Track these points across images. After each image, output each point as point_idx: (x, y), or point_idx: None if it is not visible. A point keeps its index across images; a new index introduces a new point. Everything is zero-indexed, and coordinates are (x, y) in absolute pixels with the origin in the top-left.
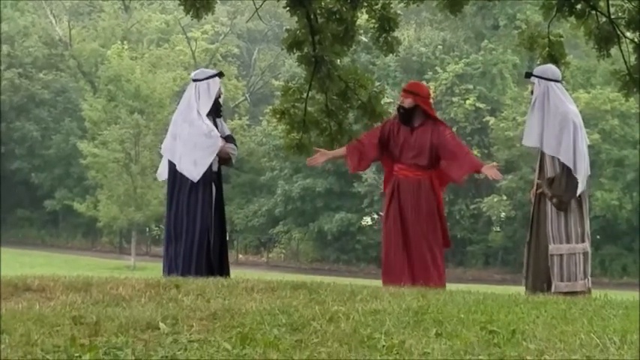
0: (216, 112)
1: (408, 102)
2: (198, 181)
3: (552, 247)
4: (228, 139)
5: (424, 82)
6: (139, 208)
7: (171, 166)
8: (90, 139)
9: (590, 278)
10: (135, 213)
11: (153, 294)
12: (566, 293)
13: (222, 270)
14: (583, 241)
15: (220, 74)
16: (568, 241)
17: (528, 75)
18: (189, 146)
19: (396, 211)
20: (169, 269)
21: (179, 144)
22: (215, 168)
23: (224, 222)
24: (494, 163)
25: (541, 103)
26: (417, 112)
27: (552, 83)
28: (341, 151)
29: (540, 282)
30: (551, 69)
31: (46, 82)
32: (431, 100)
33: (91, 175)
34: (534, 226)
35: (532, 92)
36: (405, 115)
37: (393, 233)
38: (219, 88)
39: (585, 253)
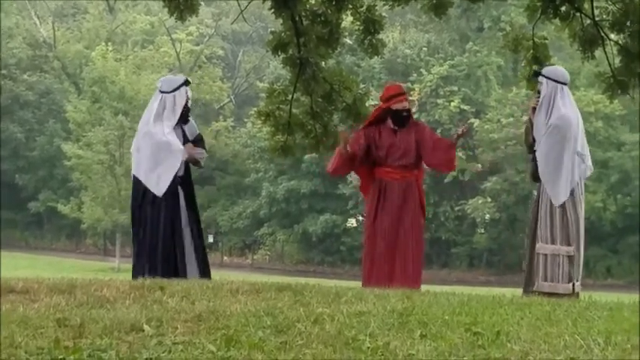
0: (182, 118)
1: (408, 105)
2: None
3: (538, 246)
4: (196, 141)
5: (408, 85)
6: (123, 210)
7: (135, 178)
8: (74, 141)
9: (576, 283)
10: (119, 215)
11: (137, 296)
12: (548, 294)
13: (204, 273)
14: (568, 244)
15: (186, 82)
16: (553, 242)
17: (537, 74)
18: (152, 162)
19: (384, 214)
20: (136, 273)
21: (142, 158)
22: (180, 172)
23: (199, 223)
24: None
25: (547, 104)
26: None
27: (560, 86)
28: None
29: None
30: (560, 71)
31: (31, 84)
32: (414, 98)
33: (75, 177)
34: (531, 225)
35: (539, 91)
36: (400, 118)
37: (381, 236)
38: (187, 94)
39: (570, 257)
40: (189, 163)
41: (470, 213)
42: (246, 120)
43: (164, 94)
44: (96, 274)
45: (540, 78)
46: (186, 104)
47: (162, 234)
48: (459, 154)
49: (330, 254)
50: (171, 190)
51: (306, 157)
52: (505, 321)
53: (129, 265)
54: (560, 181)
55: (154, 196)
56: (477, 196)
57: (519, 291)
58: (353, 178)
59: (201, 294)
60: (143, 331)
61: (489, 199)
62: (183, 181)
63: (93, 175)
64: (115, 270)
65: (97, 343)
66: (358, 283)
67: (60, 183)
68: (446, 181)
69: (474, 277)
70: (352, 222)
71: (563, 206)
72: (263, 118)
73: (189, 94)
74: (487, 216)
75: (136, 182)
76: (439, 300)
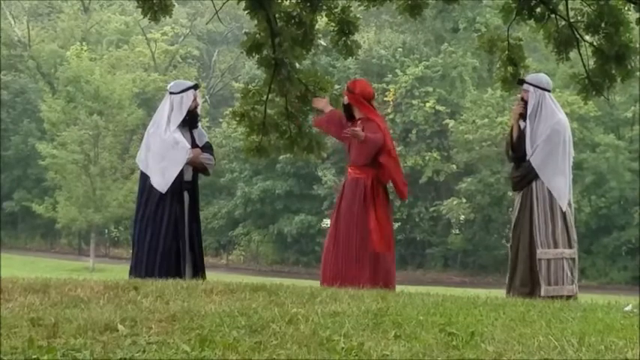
0: (191, 123)
1: (345, 99)
2: (167, 192)
3: (539, 252)
4: (205, 148)
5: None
6: (97, 210)
7: (143, 176)
8: (49, 141)
9: (576, 285)
10: (94, 214)
11: (112, 296)
12: (553, 297)
13: (198, 274)
14: (570, 247)
15: (195, 86)
16: (555, 247)
17: (521, 82)
18: (158, 159)
19: (339, 213)
20: (134, 273)
21: (150, 156)
22: (188, 177)
23: (199, 229)
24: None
25: (534, 113)
26: (354, 110)
27: (546, 93)
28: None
29: (530, 286)
30: (545, 79)
31: (5, 83)
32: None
33: (49, 177)
34: (519, 231)
35: (522, 99)
36: (345, 112)
37: (331, 235)
38: (196, 99)
39: (572, 259)
40: (197, 171)
41: (445, 214)
42: (221, 120)
43: (172, 95)
44: (70, 273)
45: (526, 86)
46: (195, 108)
47: (164, 233)
48: (434, 154)
49: (304, 254)
50: (177, 192)
51: (281, 157)
52: (479, 322)
53: (103, 265)
54: (564, 184)
55: (160, 195)
56: (452, 196)
57: (494, 291)
58: (328, 178)
59: (175, 294)
60: (117, 331)
61: (464, 200)
62: (190, 186)
63: (67, 174)
64: (89, 270)
65: (71, 343)
66: None
67: (34, 183)
68: (421, 181)
69: (448, 277)
70: (327, 222)
71: (560, 211)
72: (238, 118)
73: (199, 99)
74: (462, 217)
75: (144, 179)
76: (414, 300)
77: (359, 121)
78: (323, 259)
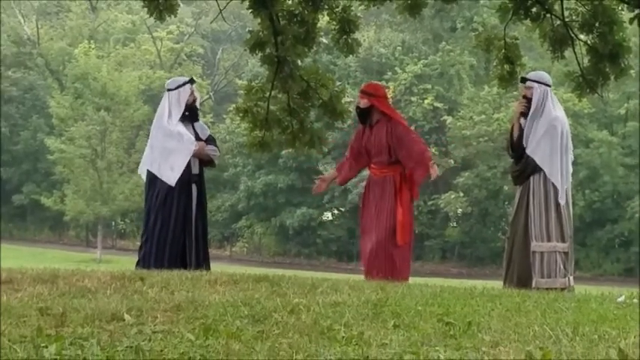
0: (191, 117)
1: (363, 102)
2: (175, 185)
3: (534, 245)
4: (208, 141)
5: (382, 83)
6: (104, 203)
7: (149, 174)
8: (57, 136)
9: (570, 277)
10: (101, 207)
11: (118, 286)
12: (546, 290)
13: (201, 266)
14: (563, 241)
15: (191, 81)
16: (549, 240)
17: (524, 80)
18: (165, 154)
19: (366, 211)
20: (142, 266)
21: (156, 153)
22: (195, 170)
23: (205, 221)
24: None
25: (538, 108)
26: (374, 112)
27: (548, 89)
28: (333, 172)
29: (525, 277)
30: (547, 76)
31: (15, 80)
32: (389, 100)
33: (58, 171)
34: (516, 224)
35: (524, 96)
36: (361, 115)
37: (365, 232)
38: (193, 93)
39: (565, 253)
40: (203, 164)
41: (443, 207)
42: (224, 116)
43: (170, 92)
44: (78, 264)
45: (530, 83)
46: (194, 102)
47: (173, 226)
48: (433, 149)
49: (306, 246)
50: (186, 185)
51: (284, 152)
52: (476, 312)
53: (110, 257)
54: (562, 179)
55: (168, 189)
56: (450, 190)
57: (490, 283)
58: (329, 172)
59: (180, 284)
60: (124, 320)
61: (461, 194)
62: (197, 179)
63: (75, 168)
64: (96, 261)
65: (78, 332)
66: (334, 275)
67: (43, 176)
68: None
69: (446, 269)
70: (328, 215)
71: (558, 204)
72: (241, 114)
73: (197, 94)
74: (459, 210)
75: (151, 177)
76: (412, 291)
77: (378, 124)
78: (362, 254)
